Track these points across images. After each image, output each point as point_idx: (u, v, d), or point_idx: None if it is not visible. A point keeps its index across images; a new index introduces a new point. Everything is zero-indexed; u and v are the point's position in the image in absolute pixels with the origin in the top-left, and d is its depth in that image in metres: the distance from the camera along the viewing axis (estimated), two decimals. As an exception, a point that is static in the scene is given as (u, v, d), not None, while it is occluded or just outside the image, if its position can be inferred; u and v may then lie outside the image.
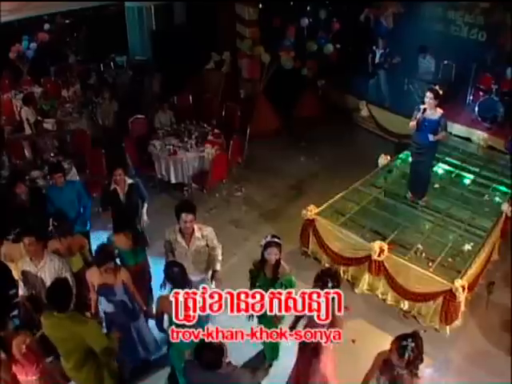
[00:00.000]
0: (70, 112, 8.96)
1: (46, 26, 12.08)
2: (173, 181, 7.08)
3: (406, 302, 5.16)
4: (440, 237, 5.57)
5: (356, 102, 9.84)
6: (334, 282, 3.41)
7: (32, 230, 4.08)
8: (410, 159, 6.29)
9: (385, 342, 4.75)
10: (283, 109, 9.67)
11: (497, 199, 6.48)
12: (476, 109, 8.13)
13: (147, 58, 11.94)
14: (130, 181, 5.14)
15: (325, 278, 3.43)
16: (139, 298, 4.11)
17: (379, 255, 5.10)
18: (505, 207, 5.97)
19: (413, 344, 2.88)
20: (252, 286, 3.96)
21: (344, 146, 8.88)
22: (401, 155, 7.45)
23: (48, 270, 4.06)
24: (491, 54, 8.72)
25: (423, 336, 4.13)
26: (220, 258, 4.36)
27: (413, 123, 5.80)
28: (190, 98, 8.95)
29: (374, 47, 9.31)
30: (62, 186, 5.12)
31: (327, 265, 5.76)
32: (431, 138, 5.69)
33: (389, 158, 7.21)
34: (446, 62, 9.10)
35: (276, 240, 3.82)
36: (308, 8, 9.94)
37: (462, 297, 4.67)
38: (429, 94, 5.55)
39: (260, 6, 9.46)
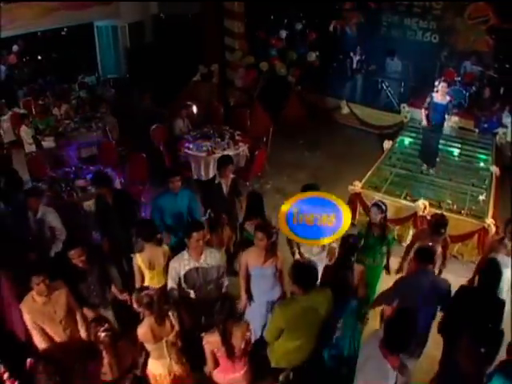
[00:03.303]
0: (77, 127, 9.55)
1: (15, 48, 12.32)
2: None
3: (447, 245, 6.76)
4: (459, 193, 7.32)
5: (334, 103, 11.55)
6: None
7: (200, 224, 4.45)
8: (422, 136, 8.04)
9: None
10: (273, 112, 11.08)
11: (481, 164, 8.49)
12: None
13: (122, 76, 12.73)
14: (232, 175, 5.72)
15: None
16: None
17: (423, 211, 6.67)
18: (493, 169, 7.94)
19: None
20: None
21: (335, 140, 10.52)
22: (397, 140, 9.23)
23: (210, 262, 4.38)
24: (444, 53, 10.98)
25: (465, 267, 5.75)
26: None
27: (425, 110, 7.64)
28: (194, 106, 9.98)
29: (352, 54, 11.14)
30: (177, 192, 5.33)
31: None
32: (425, 121, 7.66)
33: (391, 142, 8.93)
34: (409, 61, 11.18)
35: (379, 203, 5.11)
36: (285, 21, 11.53)
37: (493, 230, 6.35)
38: (443, 84, 7.37)
39: (245, 20, 10.84)
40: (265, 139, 8.37)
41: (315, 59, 10.89)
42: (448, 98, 7.53)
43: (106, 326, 3.81)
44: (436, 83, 7.71)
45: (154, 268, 4.67)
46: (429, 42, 11.26)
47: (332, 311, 3.82)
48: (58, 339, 4.22)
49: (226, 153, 7.96)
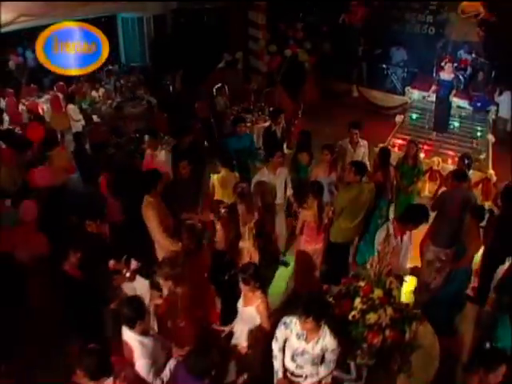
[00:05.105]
0: (122, 105, 11.00)
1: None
2: (256, 145, 9.67)
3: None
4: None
5: (346, 87, 13.39)
6: None
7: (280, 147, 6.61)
8: (435, 107, 9.91)
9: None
10: (292, 95, 12.77)
11: (478, 133, 10.39)
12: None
13: (146, 64, 14.18)
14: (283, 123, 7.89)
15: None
16: None
17: (437, 166, 8.48)
18: (489, 137, 9.87)
19: None
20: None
21: (350, 119, 12.24)
22: (406, 114, 11.08)
23: (280, 177, 6.32)
24: (440, 43, 12.90)
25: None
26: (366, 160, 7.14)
27: (435, 87, 9.53)
28: (226, 88, 11.57)
29: (359, 44, 12.99)
30: (242, 135, 7.38)
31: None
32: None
33: (402, 116, 10.78)
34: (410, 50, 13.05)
35: (414, 140, 7.02)
36: (300, 15, 13.29)
37: (494, 179, 8.19)
38: (449, 64, 9.18)
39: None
40: (300, 112, 10.04)
41: (328, 48, 12.65)
42: (452, 75, 9.42)
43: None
44: (442, 64, 9.60)
45: (225, 187, 6.10)
46: (426, 34, 13.20)
47: (375, 201, 5.90)
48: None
49: (267, 124, 9.66)
